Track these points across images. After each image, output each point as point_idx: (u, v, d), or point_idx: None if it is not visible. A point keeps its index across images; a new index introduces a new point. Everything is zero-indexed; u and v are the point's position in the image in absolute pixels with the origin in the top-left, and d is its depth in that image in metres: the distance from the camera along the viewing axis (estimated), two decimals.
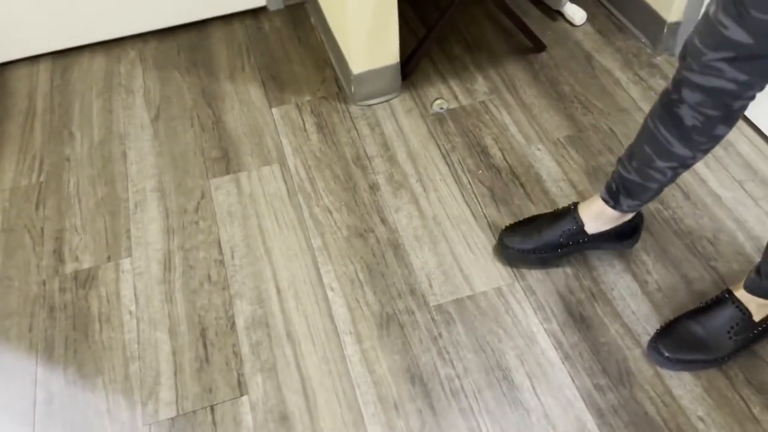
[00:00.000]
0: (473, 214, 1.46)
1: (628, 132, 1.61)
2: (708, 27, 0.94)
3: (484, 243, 1.41)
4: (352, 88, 1.70)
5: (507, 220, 1.44)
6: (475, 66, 1.81)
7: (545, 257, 1.34)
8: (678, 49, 1.79)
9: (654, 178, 1.14)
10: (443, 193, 1.51)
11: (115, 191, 1.56)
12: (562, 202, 1.47)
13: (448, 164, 1.57)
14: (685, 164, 1.11)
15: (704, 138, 1.05)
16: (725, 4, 0.90)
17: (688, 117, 1.03)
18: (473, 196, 1.50)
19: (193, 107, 1.75)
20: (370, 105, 1.73)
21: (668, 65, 1.78)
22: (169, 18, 1.96)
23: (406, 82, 1.77)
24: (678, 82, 1.02)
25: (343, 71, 1.75)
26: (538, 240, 1.32)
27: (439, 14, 1.75)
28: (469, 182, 1.53)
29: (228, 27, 1.99)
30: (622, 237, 1.32)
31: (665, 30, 1.76)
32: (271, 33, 1.97)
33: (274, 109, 1.73)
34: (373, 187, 1.53)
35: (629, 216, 1.29)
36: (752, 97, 1.00)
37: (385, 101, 1.73)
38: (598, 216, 1.28)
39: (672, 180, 1.15)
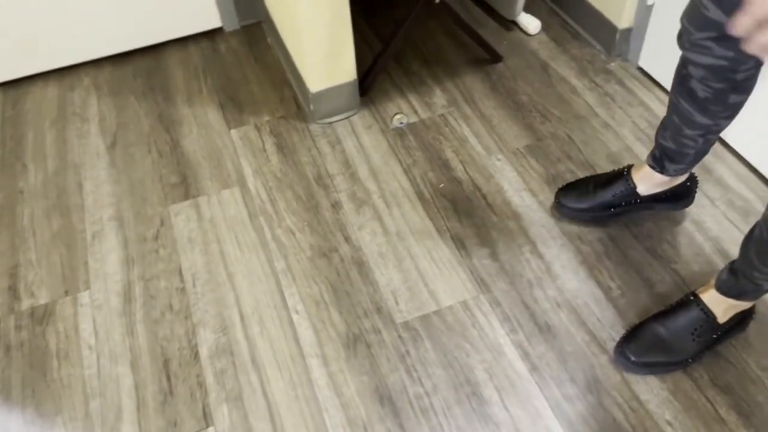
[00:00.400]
0: (436, 228, 1.46)
1: (586, 138, 1.63)
2: (693, 9, 1.02)
3: (449, 257, 1.40)
4: (311, 107, 1.69)
5: (470, 233, 1.44)
6: (433, 79, 1.82)
7: (598, 216, 1.41)
8: (631, 55, 1.82)
9: (687, 145, 1.21)
10: (406, 208, 1.51)
11: (71, 223, 1.52)
12: (524, 212, 1.47)
13: (409, 179, 1.57)
14: (711, 131, 1.17)
15: (720, 107, 1.11)
16: None
17: (699, 90, 1.10)
18: (436, 209, 1.50)
19: (150, 133, 1.72)
20: (329, 123, 1.72)
21: (622, 70, 1.81)
22: (123, 43, 1.93)
23: (365, 99, 1.77)
24: (684, 59, 1.10)
25: (301, 90, 1.74)
26: (592, 200, 1.40)
27: (395, 28, 1.76)
28: (431, 196, 1.53)
29: (184, 50, 1.97)
30: (677, 198, 1.39)
31: (617, 36, 1.79)
32: (227, 54, 1.95)
33: (232, 131, 1.71)
34: (336, 206, 1.52)
35: (681, 179, 1.35)
36: (753, 68, 1.05)
37: (345, 118, 1.73)
38: (648, 179, 1.35)
39: (706, 144, 1.22)
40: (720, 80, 1.06)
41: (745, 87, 1.08)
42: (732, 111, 1.13)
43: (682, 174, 1.33)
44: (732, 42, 1.00)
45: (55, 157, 1.68)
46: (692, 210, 1.45)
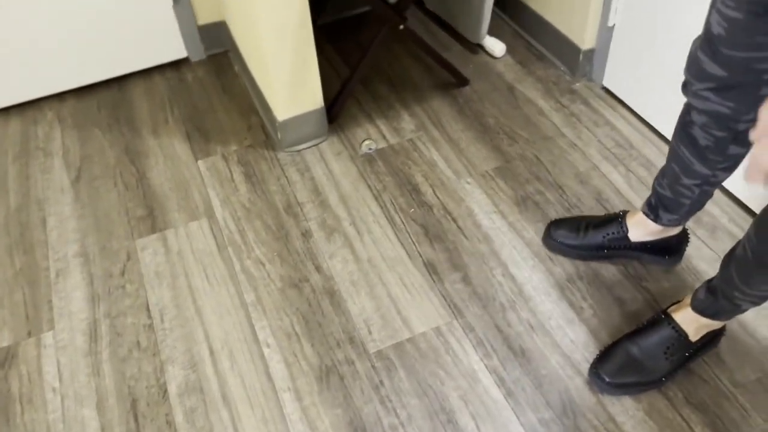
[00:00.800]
0: (408, 254, 1.45)
1: (553, 159, 1.64)
2: (692, 62, 1.04)
3: (421, 282, 1.39)
4: (279, 135, 1.68)
5: (442, 257, 1.44)
6: (401, 104, 1.82)
7: (587, 255, 1.41)
8: (595, 75, 1.84)
9: (683, 194, 1.21)
10: (377, 234, 1.50)
11: (34, 260, 1.48)
12: (495, 235, 1.47)
13: (380, 205, 1.56)
14: (708, 182, 1.17)
15: (720, 157, 1.11)
16: (702, 43, 1.01)
17: (701, 137, 1.11)
18: (407, 235, 1.49)
19: (116, 165, 1.70)
20: (298, 150, 1.71)
21: (587, 90, 1.83)
22: (86, 76, 1.91)
23: (333, 125, 1.76)
24: (687, 106, 1.11)
25: (269, 118, 1.73)
26: (582, 238, 1.40)
27: (361, 54, 1.76)
28: (402, 221, 1.52)
29: (149, 80, 1.96)
30: (665, 252, 1.38)
31: (581, 57, 1.81)
32: (194, 83, 1.94)
33: (200, 162, 1.69)
34: (306, 235, 1.50)
35: (673, 231, 1.34)
36: (754, 120, 1.03)
37: (314, 146, 1.72)
38: (641, 226, 1.34)
39: (702, 197, 1.22)
40: (722, 128, 1.07)
41: (746, 139, 1.08)
42: (731, 163, 1.13)
43: (675, 225, 1.32)
44: (730, 93, 1.01)
45: (18, 192, 1.64)
46: None
